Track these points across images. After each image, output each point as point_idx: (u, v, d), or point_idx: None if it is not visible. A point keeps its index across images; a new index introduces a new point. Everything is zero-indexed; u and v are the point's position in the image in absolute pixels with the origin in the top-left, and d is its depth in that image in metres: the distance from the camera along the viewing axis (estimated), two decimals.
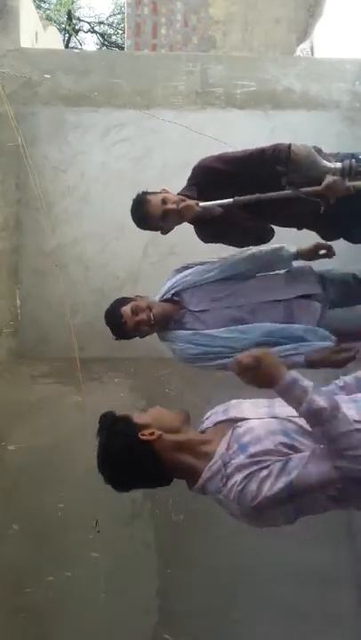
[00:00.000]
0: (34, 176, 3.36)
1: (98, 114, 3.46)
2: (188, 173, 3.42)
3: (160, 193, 2.41)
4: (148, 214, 2.37)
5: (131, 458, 1.56)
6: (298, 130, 3.46)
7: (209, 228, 2.43)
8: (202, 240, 2.54)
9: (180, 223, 2.40)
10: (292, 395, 1.50)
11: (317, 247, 2.45)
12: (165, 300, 2.42)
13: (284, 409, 1.58)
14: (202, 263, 2.49)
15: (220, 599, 3.25)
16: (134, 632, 3.25)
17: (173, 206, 2.32)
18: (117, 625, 3.21)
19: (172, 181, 3.43)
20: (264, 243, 2.47)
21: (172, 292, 2.42)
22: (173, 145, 3.46)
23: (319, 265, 2.49)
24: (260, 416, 1.62)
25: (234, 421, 1.63)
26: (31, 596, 3.26)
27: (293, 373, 1.53)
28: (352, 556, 3.32)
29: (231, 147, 3.34)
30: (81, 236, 3.43)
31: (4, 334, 3.41)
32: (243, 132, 3.45)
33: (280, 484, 1.46)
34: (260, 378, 1.53)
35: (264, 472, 1.48)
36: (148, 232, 3.42)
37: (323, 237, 2.51)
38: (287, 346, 2.21)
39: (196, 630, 3.26)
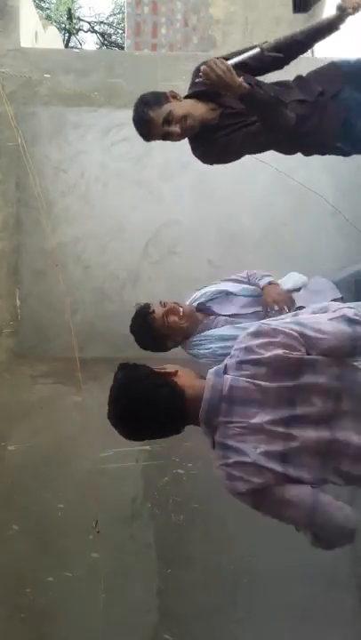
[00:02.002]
0: (34, 176, 3.36)
1: (98, 113, 3.46)
2: (188, 173, 3.45)
3: (166, 103, 2.20)
4: (151, 134, 2.27)
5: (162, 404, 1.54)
6: None
7: (218, 142, 2.28)
8: (208, 162, 2.43)
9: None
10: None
11: None
12: None
13: None
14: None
15: (220, 599, 3.25)
16: (134, 632, 3.25)
17: (176, 129, 2.20)
18: (117, 625, 3.21)
19: (172, 181, 3.46)
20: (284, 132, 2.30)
21: (196, 302, 2.41)
22: (173, 145, 3.44)
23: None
24: None
25: None
26: (31, 597, 3.26)
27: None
28: (352, 556, 3.32)
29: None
30: (81, 236, 3.43)
31: (4, 334, 3.40)
32: None
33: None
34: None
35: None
36: (148, 231, 3.44)
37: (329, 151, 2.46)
38: None
39: (196, 630, 3.26)
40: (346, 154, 2.44)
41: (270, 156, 3.43)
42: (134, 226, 3.43)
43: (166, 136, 2.25)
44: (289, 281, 2.43)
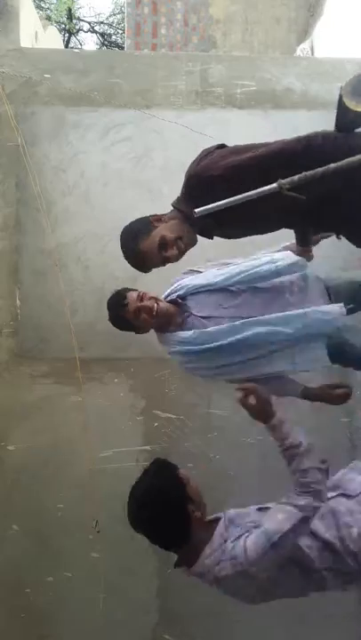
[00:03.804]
0: (34, 176, 3.36)
1: (98, 113, 3.46)
2: None
3: (153, 230, 2.17)
4: (148, 266, 2.23)
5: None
6: (298, 130, 3.44)
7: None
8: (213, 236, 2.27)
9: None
10: (278, 433, 1.81)
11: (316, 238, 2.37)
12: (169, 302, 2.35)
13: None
14: (211, 266, 2.40)
15: (220, 599, 3.23)
16: (134, 632, 3.25)
17: (174, 252, 2.12)
18: (117, 625, 3.21)
19: (171, 181, 3.45)
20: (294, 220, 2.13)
21: (176, 294, 2.35)
22: (173, 145, 3.46)
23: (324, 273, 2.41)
24: None
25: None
26: (31, 597, 3.26)
27: (281, 416, 1.83)
28: None
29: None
30: (81, 236, 3.43)
31: (4, 334, 3.40)
32: (243, 132, 3.44)
33: (259, 536, 1.74)
34: (255, 413, 1.86)
35: (247, 533, 1.77)
36: None
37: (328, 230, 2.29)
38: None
39: (196, 630, 3.26)
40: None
41: None
42: None
43: (166, 261, 2.13)
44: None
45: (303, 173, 1.80)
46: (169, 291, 2.39)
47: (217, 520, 1.90)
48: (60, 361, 3.34)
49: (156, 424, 3.33)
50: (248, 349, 2.15)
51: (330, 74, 3.58)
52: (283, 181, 1.80)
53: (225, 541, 1.80)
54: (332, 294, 2.32)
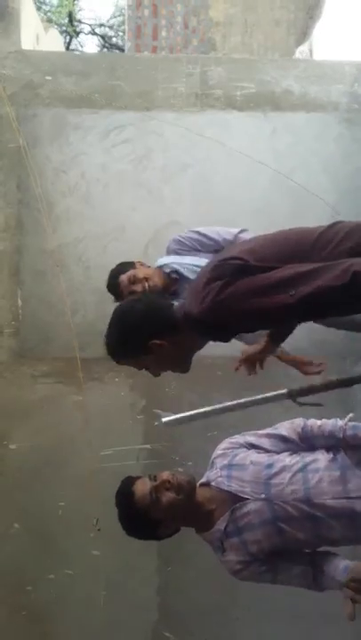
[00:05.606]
0: (35, 177, 3.38)
1: (99, 115, 3.48)
2: (189, 175, 3.47)
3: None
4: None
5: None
6: (297, 132, 3.49)
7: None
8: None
9: None
10: None
11: None
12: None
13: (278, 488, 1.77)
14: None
15: (219, 597, 3.26)
16: (134, 630, 3.26)
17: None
18: (118, 623, 3.23)
19: (172, 182, 3.49)
20: None
21: (170, 270, 2.50)
22: (174, 146, 3.49)
23: None
24: (257, 493, 1.79)
25: (234, 497, 1.81)
26: (32, 595, 3.27)
27: None
28: (352, 557, 3.33)
29: (230, 148, 3.40)
30: (82, 237, 3.45)
31: (6, 334, 3.42)
32: (242, 134, 3.48)
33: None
34: None
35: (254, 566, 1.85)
36: (149, 232, 3.47)
37: None
38: None
39: (196, 628, 3.28)
40: None
41: (270, 156, 3.46)
42: (134, 227, 3.45)
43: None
44: None
45: (311, 384, 1.56)
46: (164, 261, 2.58)
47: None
48: (61, 361, 3.37)
49: (156, 423, 3.34)
50: None
51: (329, 76, 3.60)
52: (294, 390, 1.51)
53: (223, 539, 1.88)
54: None
